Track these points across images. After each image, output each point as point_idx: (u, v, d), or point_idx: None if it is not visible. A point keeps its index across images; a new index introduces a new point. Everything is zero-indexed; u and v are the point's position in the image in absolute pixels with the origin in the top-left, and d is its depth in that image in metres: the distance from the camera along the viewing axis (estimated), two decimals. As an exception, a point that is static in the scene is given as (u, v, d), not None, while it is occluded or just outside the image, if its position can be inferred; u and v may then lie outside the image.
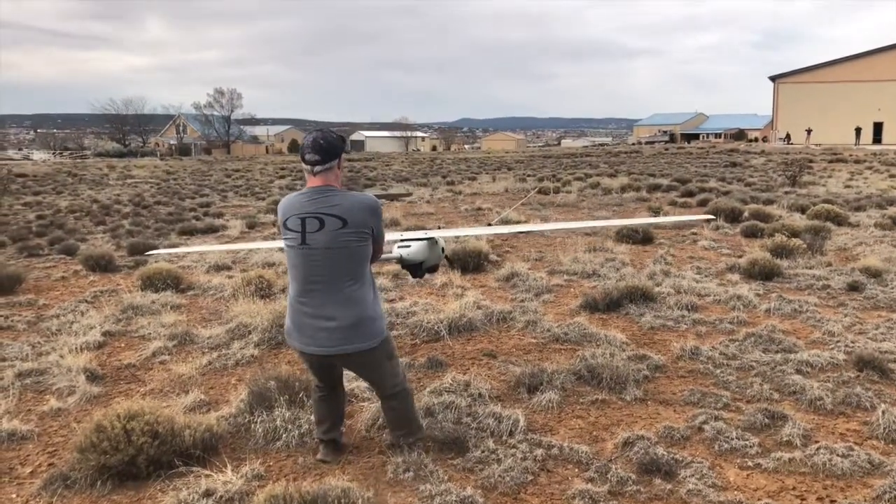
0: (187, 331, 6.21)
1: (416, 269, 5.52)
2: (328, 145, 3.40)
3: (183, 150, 78.05)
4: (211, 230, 13.68)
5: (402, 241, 5.57)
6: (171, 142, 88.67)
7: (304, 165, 3.44)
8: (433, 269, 5.98)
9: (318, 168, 3.39)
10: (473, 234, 8.80)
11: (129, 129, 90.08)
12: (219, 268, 9.39)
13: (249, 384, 4.54)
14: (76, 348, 5.67)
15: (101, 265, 9.43)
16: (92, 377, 5.13)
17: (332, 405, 3.80)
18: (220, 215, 16.45)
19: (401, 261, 5.43)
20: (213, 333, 6.16)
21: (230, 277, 8.47)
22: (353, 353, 3.47)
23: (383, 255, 4.18)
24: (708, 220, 11.70)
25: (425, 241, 5.48)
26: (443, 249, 5.75)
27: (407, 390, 3.78)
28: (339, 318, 3.41)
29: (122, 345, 6.08)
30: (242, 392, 4.59)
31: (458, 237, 9.09)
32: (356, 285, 3.44)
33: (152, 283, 7.83)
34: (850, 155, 35.74)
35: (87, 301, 7.67)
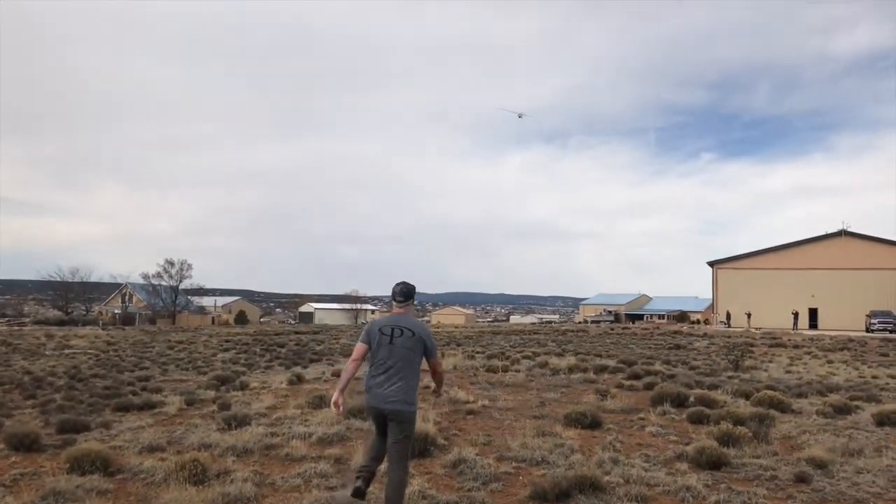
0: (111, 521, 5.79)
1: None
2: (408, 291, 5.84)
3: (126, 320, 76.60)
4: (148, 406, 13.16)
5: None
6: (116, 311, 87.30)
7: (394, 301, 5.87)
8: None
9: (402, 304, 5.84)
10: None
11: (73, 297, 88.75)
12: (152, 448, 8.94)
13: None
14: (-15, 541, 5.22)
15: (26, 444, 8.90)
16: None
17: (380, 445, 5.69)
18: (158, 390, 15.89)
19: None
20: (140, 524, 5.75)
21: (163, 460, 8.04)
22: (401, 411, 5.48)
23: None
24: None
25: None
26: None
27: (408, 472, 5.80)
28: (398, 388, 5.50)
29: (38, 537, 5.61)
30: None
31: None
32: (411, 372, 5.59)
33: (80, 465, 7.38)
34: (789, 339, 36.90)
35: (4, 485, 7.15)
